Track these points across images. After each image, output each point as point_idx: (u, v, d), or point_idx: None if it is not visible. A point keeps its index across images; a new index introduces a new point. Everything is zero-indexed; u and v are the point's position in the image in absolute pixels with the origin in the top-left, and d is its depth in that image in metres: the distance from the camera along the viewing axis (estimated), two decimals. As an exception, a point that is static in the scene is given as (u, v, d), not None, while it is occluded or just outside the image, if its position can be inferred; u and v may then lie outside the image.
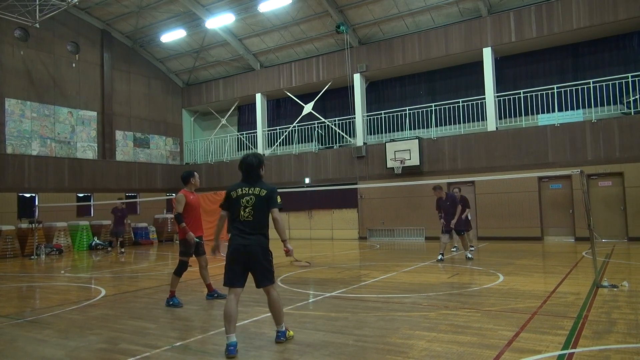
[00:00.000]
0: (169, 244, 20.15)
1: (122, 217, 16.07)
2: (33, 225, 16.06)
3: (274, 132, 22.21)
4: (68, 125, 19.83)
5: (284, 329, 4.88)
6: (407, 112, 18.83)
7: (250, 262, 4.70)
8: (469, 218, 12.54)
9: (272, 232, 4.76)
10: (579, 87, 15.74)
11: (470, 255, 11.04)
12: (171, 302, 6.79)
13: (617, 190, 14.87)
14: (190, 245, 6.92)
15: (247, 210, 4.72)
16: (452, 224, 10.92)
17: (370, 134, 19.81)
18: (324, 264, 11.53)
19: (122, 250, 16.14)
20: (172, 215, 21.50)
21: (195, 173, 7.22)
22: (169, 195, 21.75)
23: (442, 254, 11.16)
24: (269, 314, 6.10)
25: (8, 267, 13.39)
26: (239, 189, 4.80)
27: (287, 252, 4.85)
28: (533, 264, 10.39)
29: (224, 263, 4.81)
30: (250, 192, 4.76)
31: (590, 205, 8.18)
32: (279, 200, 4.93)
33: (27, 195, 18.29)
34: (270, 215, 4.81)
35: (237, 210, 4.75)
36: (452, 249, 12.83)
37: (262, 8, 18.37)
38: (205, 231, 25.41)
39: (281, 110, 23.19)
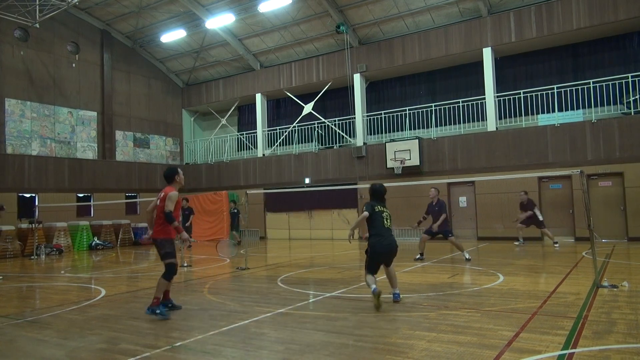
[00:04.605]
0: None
1: (187, 215, 16.49)
2: (33, 225, 16.06)
3: (274, 132, 22.20)
4: (68, 125, 19.83)
5: (399, 291, 6.64)
6: (407, 112, 18.82)
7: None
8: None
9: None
10: (579, 87, 15.73)
11: (468, 257, 11.00)
12: (158, 311, 5.99)
13: (617, 190, 14.87)
14: (170, 243, 6.28)
15: (387, 220, 6.70)
16: (434, 227, 11.29)
17: (370, 134, 19.81)
18: (324, 264, 11.53)
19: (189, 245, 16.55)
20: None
21: (180, 170, 6.65)
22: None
23: (422, 253, 11.45)
24: (269, 314, 6.15)
25: (8, 267, 13.39)
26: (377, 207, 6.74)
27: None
28: (533, 264, 10.39)
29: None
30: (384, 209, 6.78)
31: (590, 206, 8.18)
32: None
33: (27, 195, 18.29)
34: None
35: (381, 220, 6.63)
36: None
37: (262, 8, 18.37)
38: (204, 231, 25.36)
39: (281, 110, 23.18)
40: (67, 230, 17.70)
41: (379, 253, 6.55)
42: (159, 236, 6.29)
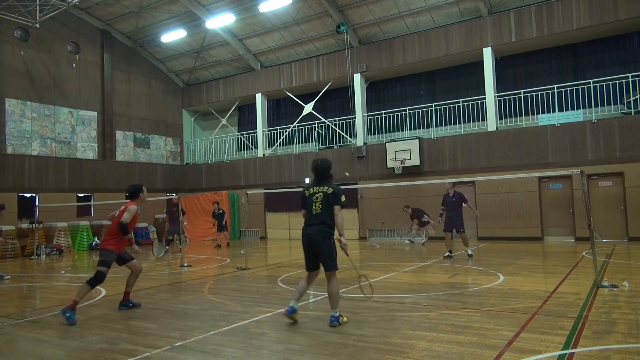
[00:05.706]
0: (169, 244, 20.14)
1: (172, 215, 16.23)
2: (33, 225, 16.06)
3: (274, 132, 22.20)
4: (68, 125, 19.83)
5: (337, 314, 5.39)
6: (407, 112, 18.82)
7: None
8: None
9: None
10: (579, 87, 15.73)
11: (451, 255, 11.35)
12: (68, 314, 5.91)
13: (618, 190, 14.86)
14: (113, 256, 6.45)
15: (316, 204, 5.61)
16: (477, 213, 12.13)
17: (371, 134, 19.80)
18: (324, 264, 11.51)
19: (167, 247, 16.12)
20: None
21: (144, 188, 6.95)
22: (168, 196, 21.74)
23: (450, 251, 11.57)
24: (269, 314, 6.15)
25: (8, 267, 13.38)
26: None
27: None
28: (533, 264, 10.39)
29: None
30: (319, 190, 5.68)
31: (591, 206, 8.18)
32: (343, 199, 5.64)
33: (28, 195, 18.28)
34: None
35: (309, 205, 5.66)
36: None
37: (262, 8, 18.37)
38: (204, 231, 25.10)
39: (281, 110, 23.18)
40: (67, 230, 17.70)
41: (303, 244, 5.71)
42: (104, 246, 6.52)
